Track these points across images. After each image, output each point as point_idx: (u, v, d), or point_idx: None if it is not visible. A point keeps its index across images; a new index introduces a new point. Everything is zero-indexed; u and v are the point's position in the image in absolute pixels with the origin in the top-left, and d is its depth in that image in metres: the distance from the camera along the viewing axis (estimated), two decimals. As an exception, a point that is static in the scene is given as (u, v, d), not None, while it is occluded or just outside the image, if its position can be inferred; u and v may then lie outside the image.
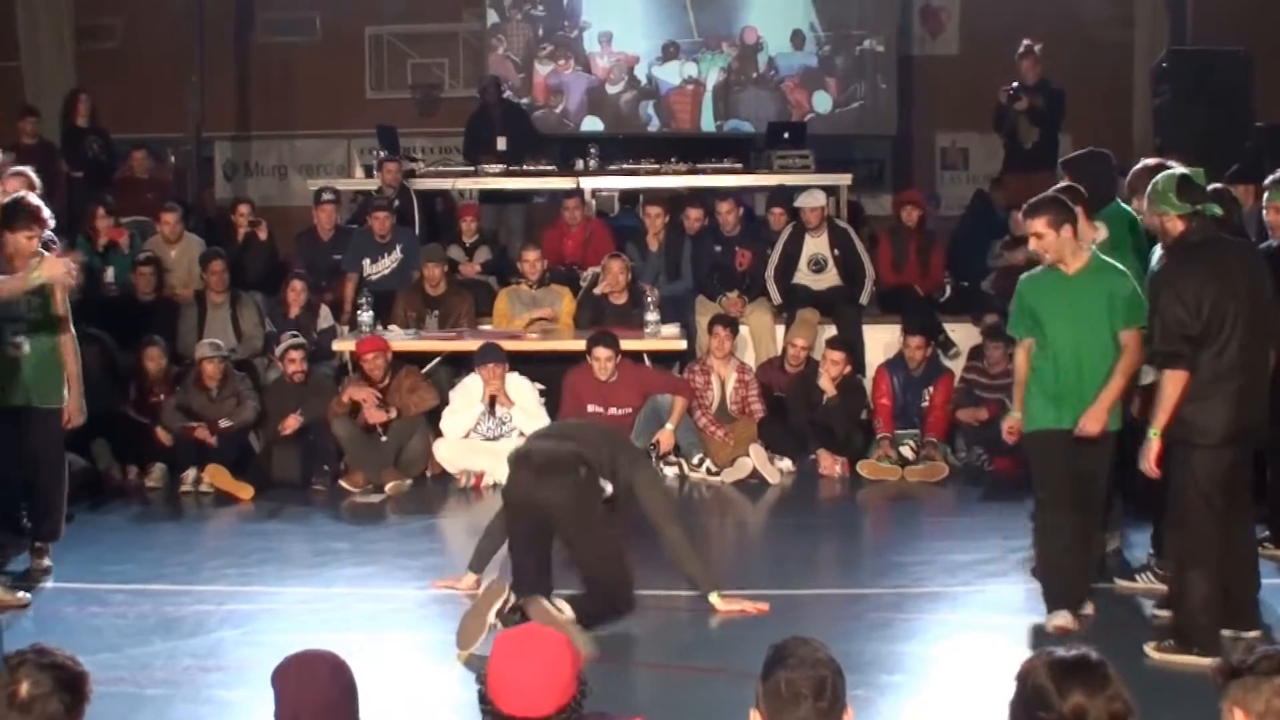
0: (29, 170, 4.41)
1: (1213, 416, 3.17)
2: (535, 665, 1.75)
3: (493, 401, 5.45)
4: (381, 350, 5.50)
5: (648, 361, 5.91)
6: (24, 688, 1.67)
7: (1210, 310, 3.14)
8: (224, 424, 5.40)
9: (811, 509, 5.25)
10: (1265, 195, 3.77)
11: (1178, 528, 3.29)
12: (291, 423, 5.45)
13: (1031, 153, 7.13)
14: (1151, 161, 3.67)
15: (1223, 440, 3.20)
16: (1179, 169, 3.33)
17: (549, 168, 7.10)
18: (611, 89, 8.23)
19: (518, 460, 3.67)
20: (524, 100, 8.15)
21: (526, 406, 5.50)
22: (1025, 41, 6.90)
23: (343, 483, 5.31)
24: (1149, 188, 3.31)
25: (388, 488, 5.24)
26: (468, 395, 5.51)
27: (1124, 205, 4.00)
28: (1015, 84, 6.85)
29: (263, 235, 6.63)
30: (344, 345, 5.89)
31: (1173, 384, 3.18)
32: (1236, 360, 3.17)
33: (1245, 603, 3.35)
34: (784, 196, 6.63)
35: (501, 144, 7.07)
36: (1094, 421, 3.36)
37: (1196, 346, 3.15)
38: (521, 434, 5.45)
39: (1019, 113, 6.80)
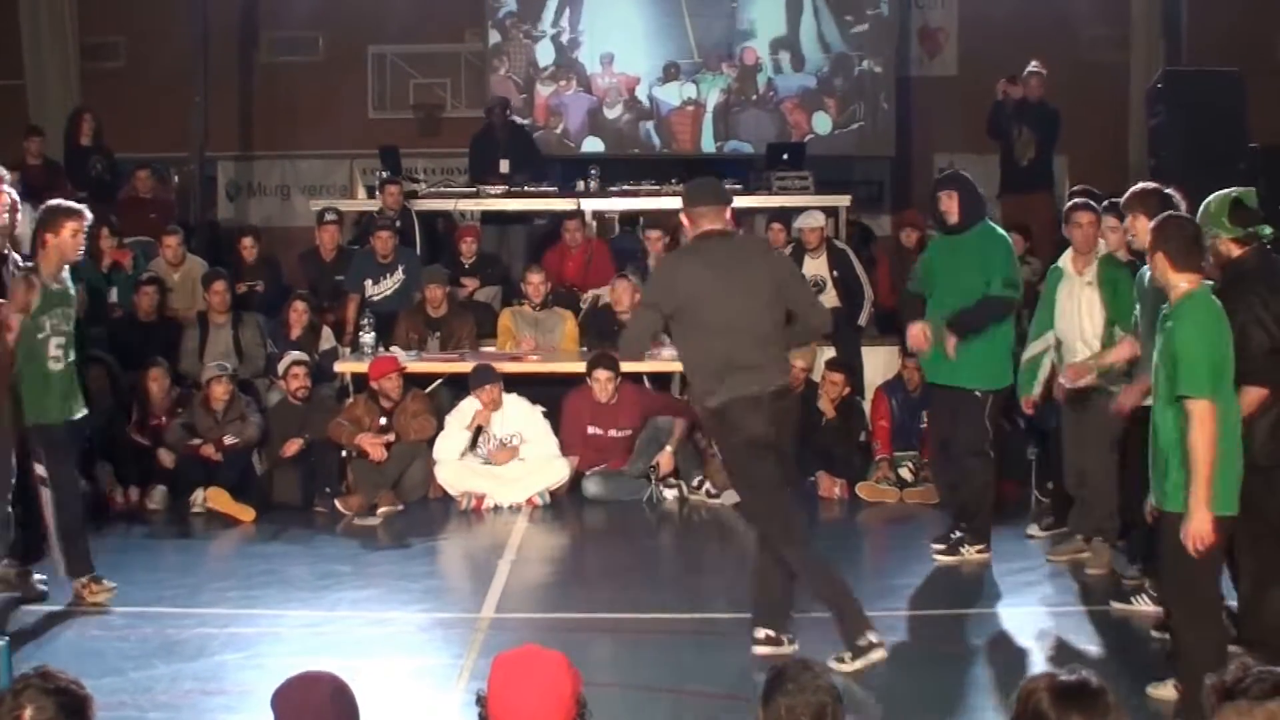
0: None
1: None
2: (536, 688, 1.77)
3: (478, 432, 5.42)
4: (398, 371, 5.52)
5: (647, 383, 5.94)
6: (28, 713, 1.66)
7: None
8: (229, 440, 5.43)
9: (810, 531, 5.27)
10: None
11: (1263, 544, 3.26)
12: (292, 446, 5.47)
13: (1027, 172, 7.20)
14: (1149, 185, 3.70)
15: None
16: (1233, 190, 3.33)
17: (550, 189, 7.16)
18: (611, 111, 8.29)
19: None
20: (525, 121, 8.22)
21: (528, 431, 5.53)
22: (1034, 63, 6.99)
23: (338, 503, 5.32)
24: (1200, 212, 3.31)
25: (380, 511, 5.27)
26: (460, 420, 5.53)
27: (990, 223, 4.54)
28: (1011, 75, 6.93)
29: (261, 281, 6.62)
30: (347, 366, 5.92)
31: (1254, 400, 3.16)
32: None
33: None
34: (783, 213, 6.68)
35: (504, 166, 7.11)
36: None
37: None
38: (520, 459, 5.49)
39: (1013, 105, 6.78)
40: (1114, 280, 4.19)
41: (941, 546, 4.58)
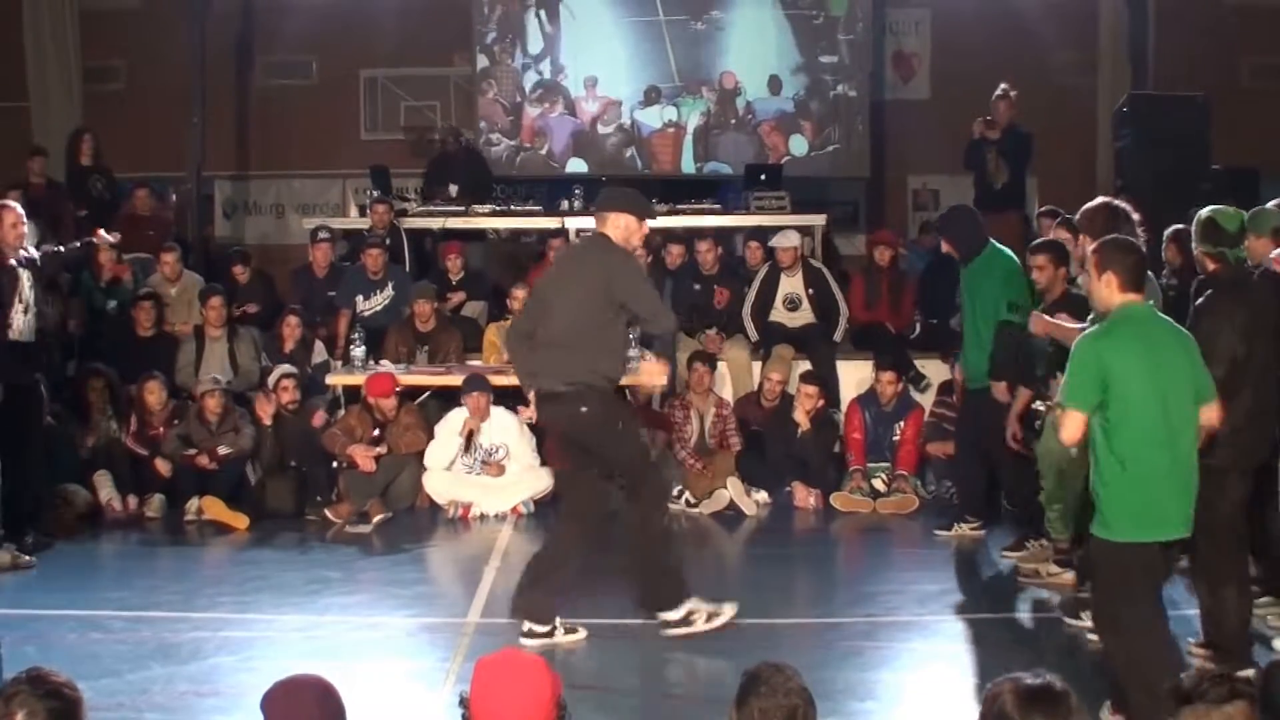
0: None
1: (1257, 442, 3.38)
2: (517, 690, 1.84)
3: (470, 436, 5.59)
4: (395, 392, 5.65)
5: (629, 396, 6.12)
6: (19, 718, 1.71)
7: (1250, 343, 3.31)
8: (223, 451, 5.56)
9: (786, 540, 5.39)
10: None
11: (1213, 550, 3.33)
12: (266, 407, 5.62)
13: (1001, 193, 7.40)
14: (1099, 201, 3.80)
15: (1254, 464, 3.41)
16: (1213, 207, 3.52)
17: (535, 208, 7.36)
18: (603, 129, 8.48)
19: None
20: (512, 142, 8.44)
21: (511, 442, 5.68)
22: (1002, 86, 7.20)
23: (327, 512, 5.44)
24: (1195, 223, 3.51)
25: (373, 519, 5.39)
26: (449, 428, 5.68)
27: (1000, 247, 4.83)
28: (989, 117, 7.16)
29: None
30: (338, 379, 6.08)
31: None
32: (1265, 391, 3.38)
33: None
34: (761, 232, 6.88)
35: (453, 190, 7.28)
36: None
37: (1236, 376, 3.26)
38: (502, 466, 5.64)
39: (991, 145, 7.08)
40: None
41: (1016, 551, 4.78)
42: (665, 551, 3.85)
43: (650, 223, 3.93)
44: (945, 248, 4.97)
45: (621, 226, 3.74)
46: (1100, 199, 3.83)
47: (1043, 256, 4.39)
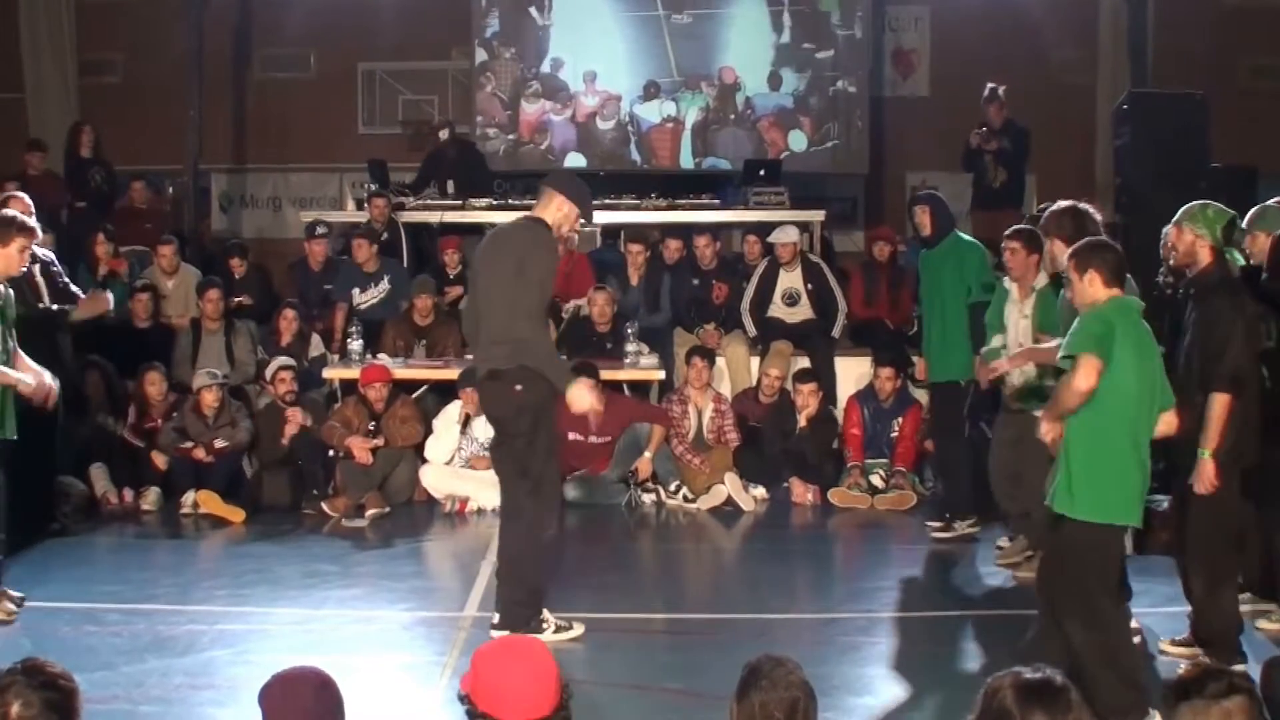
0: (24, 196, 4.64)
1: (1252, 439, 3.42)
2: (525, 669, 1.79)
3: (467, 420, 5.61)
4: (385, 381, 5.65)
5: (627, 391, 6.12)
6: (14, 709, 1.69)
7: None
8: (219, 444, 5.54)
9: (784, 535, 5.40)
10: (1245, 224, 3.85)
11: (1216, 547, 3.39)
12: (293, 422, 5.54)
13: (998, 191, 7.42)
14: (1065, 204, 3.80)
15: (1249, 463, 3.44)
16: (1218, 207, 3.50)
17: (533, 202, 7.30)
18: (602, 124, 8.48)
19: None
20: (510, 137, 8.43)
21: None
22: (990, 85, 7.19)
23: (324, 506, 5.43)
24: (1196, 207, 3.48)
25: (368, 513, 5.39)
26: (448, 420, 5.70)
27: (963, 236, 4.94)
28: (984, 127, 7.15)
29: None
30: (335, 372, 6.08)
31: (1225, 407, 3.30)
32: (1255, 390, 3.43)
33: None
34: (760, 228, 6.88)
35: (450, 187, 7.28)
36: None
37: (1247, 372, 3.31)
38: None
39: (989, 154, 7.09)
40: (1048, 308, 4.28)
41: (938, 524, 5.04)
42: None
43: (584, 219, 3.95)
44: (921, 217, 4.95)
45: (564, 212, 3.79)
46: (1064, 202, 3.82)
47: (1016, 241, 4.42)
